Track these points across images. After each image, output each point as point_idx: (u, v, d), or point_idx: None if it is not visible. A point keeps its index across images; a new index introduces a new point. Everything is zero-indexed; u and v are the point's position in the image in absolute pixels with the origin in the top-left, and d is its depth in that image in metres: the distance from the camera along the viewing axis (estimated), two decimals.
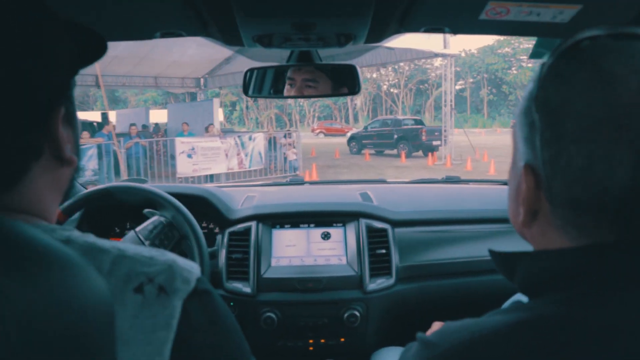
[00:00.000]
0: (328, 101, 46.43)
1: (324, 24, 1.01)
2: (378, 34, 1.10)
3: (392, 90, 47.42)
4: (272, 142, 12.31)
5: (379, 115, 40.28)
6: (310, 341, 1.53)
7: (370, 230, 1.57)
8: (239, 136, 11.72)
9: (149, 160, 10.82)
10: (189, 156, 10.12)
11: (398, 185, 2.18)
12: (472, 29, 1.09)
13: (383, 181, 2.23)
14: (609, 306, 0.45)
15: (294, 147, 12.61)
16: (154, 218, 1.35)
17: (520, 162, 0.52)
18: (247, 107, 47.23)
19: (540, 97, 0.48)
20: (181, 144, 10.16)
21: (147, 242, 1.28)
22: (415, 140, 17.38)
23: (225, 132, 13.79)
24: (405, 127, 18.35)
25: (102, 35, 0.57)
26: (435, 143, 16.80)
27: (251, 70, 1.33)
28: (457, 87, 43.90)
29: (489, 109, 47.32)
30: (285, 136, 12.99)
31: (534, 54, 1.30)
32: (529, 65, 45.41)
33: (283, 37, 1.08)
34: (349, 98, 45.16)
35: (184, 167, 10.06)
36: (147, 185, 1.41)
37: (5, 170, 0.43)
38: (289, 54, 1.25)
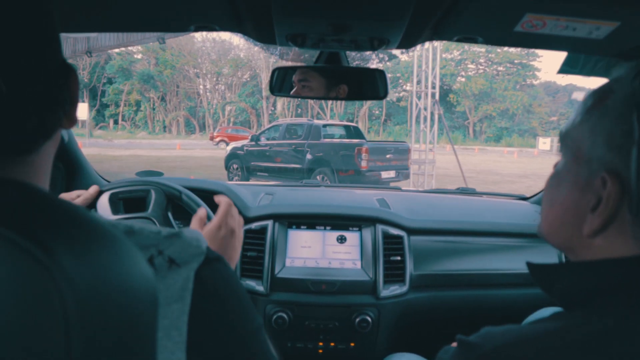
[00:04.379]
0: (244, 104, 39.37)
1: (360, 26, 1.01)
2: (411, 40, 1.11)
3: None
4: None
5: None
6: (320, 344, 1.52)
7: (386, 236, 1.56)
8: None
9: None
10: None
11: (413, 194, 2.16)
12: (505, 40, 1.10)
13: (398, 189, 2.27)
14: None
15: None
16: None
17: (594, 169, 0.51)
18: (153, 108, 40.13)
19: None
20: None
21: None
22: (347, 168, 8.92)
23: None
24: (328, 140, 9.89)
25: (139, 25, 0.61)
26: (385, 175, 8.74)
27: (277, 69, 1.31)
28: (396, 95, 38.96)
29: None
30: None
31: (563, 70, 1.32)
32: (479, 72, 39.65)
33: (317, 37, 1.08)
34: (264, 99, 39.36)
35: None
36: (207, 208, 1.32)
37: (47, 125, 0.42)
38: (317, 55, 1.24)
